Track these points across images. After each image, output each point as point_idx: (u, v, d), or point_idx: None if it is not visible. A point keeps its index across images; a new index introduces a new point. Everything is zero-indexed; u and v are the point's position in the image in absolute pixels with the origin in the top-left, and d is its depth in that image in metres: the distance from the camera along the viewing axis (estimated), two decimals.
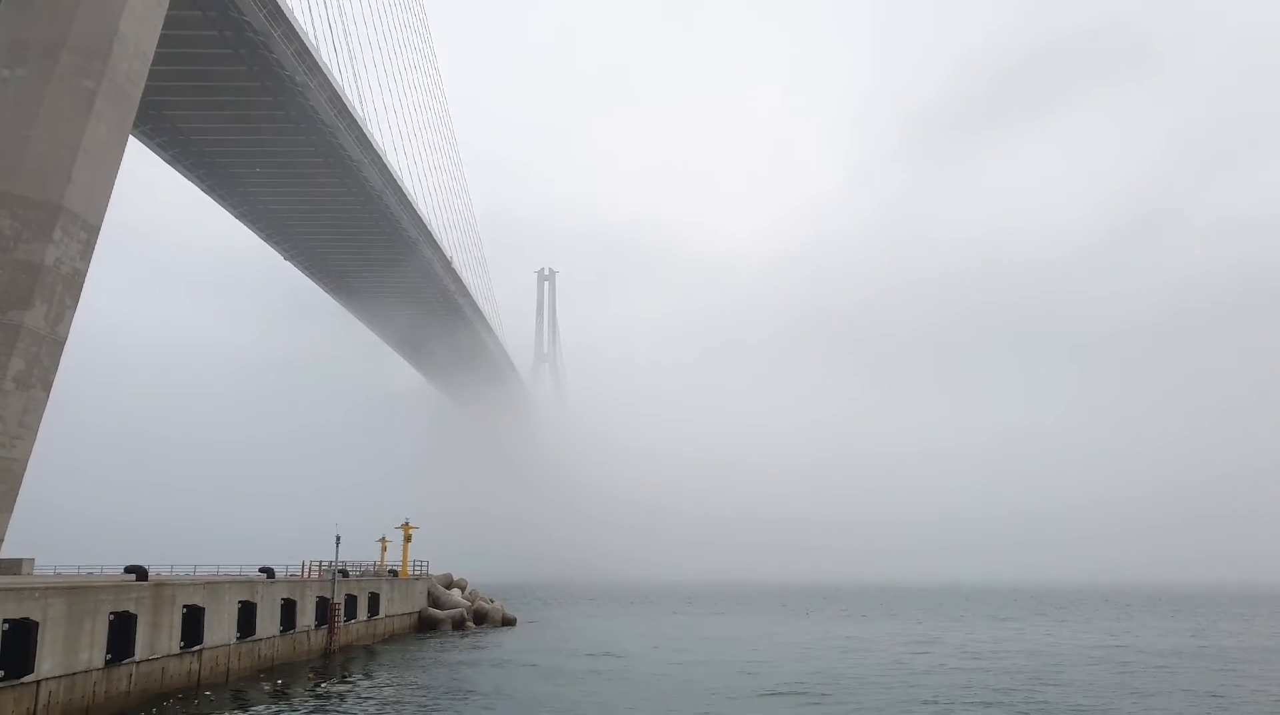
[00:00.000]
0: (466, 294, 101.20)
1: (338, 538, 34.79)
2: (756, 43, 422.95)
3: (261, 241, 75.08)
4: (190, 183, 61.34)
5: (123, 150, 29.60)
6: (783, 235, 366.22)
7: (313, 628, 32.26)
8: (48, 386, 26.91)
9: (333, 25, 57.11)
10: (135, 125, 36.27)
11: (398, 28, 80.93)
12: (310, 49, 49.44)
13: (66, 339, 27.85)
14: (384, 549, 50.17)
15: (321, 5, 55.68)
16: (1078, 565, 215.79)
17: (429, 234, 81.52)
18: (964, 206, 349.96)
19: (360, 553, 46.63)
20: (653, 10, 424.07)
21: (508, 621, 53.63)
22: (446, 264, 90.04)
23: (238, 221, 69.79)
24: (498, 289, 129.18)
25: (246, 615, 26.77)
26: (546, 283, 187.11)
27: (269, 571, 32.71)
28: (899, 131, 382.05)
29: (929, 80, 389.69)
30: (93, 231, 28.17)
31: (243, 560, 36.50)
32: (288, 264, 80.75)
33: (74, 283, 27.60)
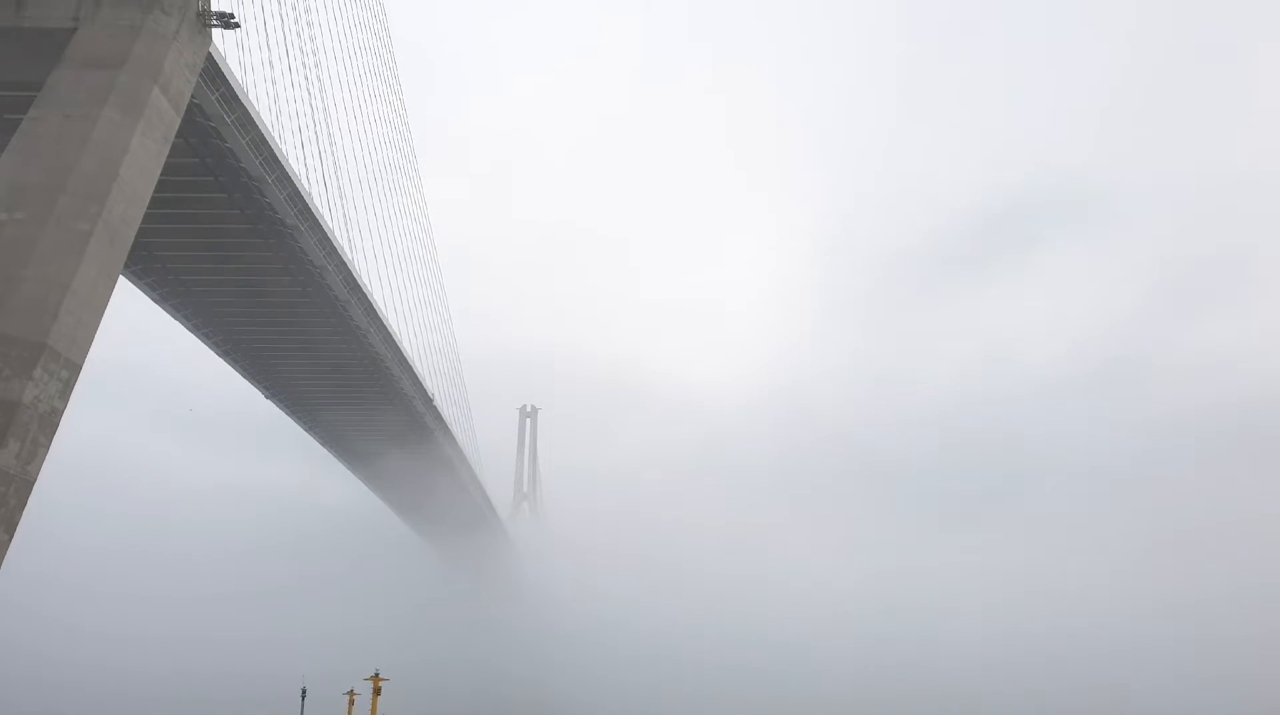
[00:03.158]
0: (446, 431, 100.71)
1: (303, 690, 33.22)
2: (737, 191, 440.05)
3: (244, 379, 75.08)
4: (176, 321, 61.81)
5: (111, 291, 29.92)
6: (767, 373, 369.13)
7: None
8: (12, 528, 26.18)
9: (326, 177, 59.07)
10: (126, 265, 36.75)
11: (389, 187, 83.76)
12: (303, 193, 50.82)
13: (37, 479, 27.29)
14: (351, 702, 47.81)
15: (315, 150, 57.74)
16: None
17: (412, 372, 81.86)
18: (941, 347, 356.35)
19: (328, 707, 44.47)
20: (634, 159, 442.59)
21: None
22: (428, 401, 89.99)
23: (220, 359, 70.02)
24: (478, 425, 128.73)
25: None
26: (529, 420, 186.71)
27: None
28: (875, 275, 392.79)
29: (902, 227, 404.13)
30: (74, 370, 28.09)
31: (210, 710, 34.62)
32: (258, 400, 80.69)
33: (50, 422, 27.30)
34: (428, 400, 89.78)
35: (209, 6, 35.20)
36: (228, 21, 36.64)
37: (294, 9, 56.07)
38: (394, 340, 74.58)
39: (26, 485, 26.56)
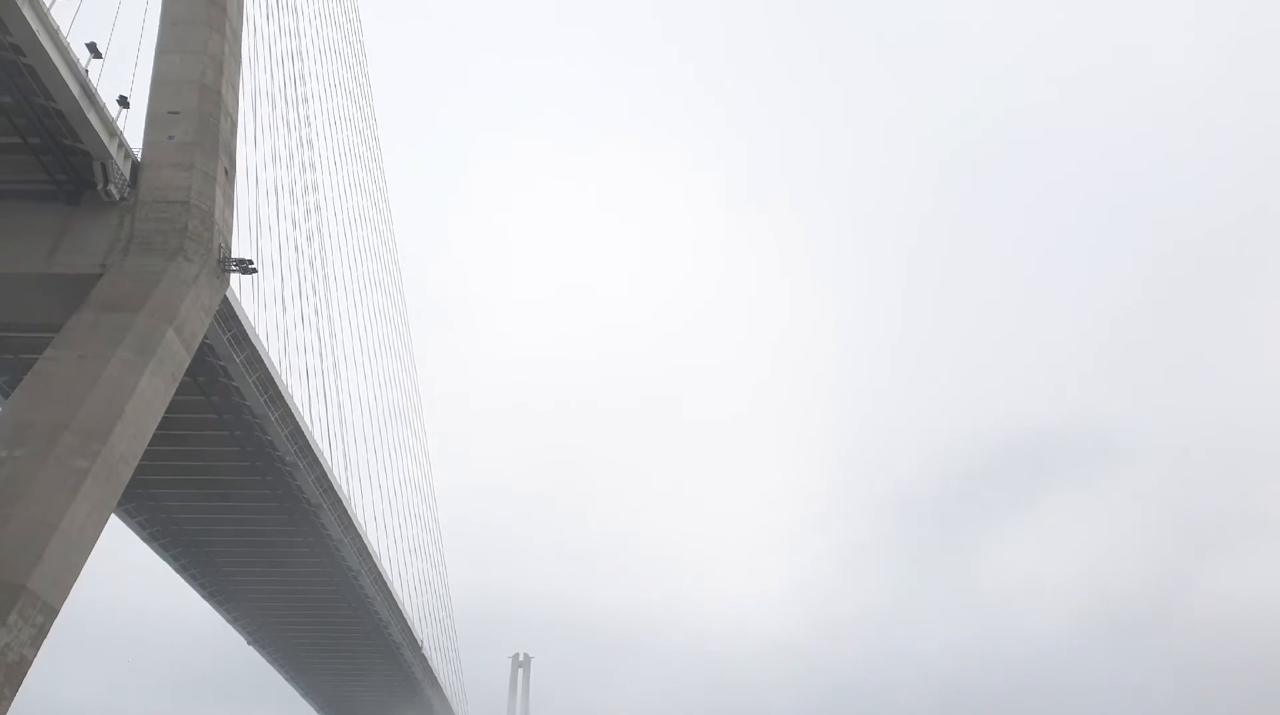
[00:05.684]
0: (435, 683, 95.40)
1: None
2: (748, 435, 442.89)
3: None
4: (164, 560, 60.08)
5: (100, 531, 29.05)
6: (770, 619, 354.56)
7: None
8: None
9: (328, 411, 59.54)
10: (119, 504, 36.02)
11: (388, 415, 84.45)
12: (304, 431, 50.91)
13: None
14: None
15: (319, 386, 58.50)
16: None
17: (402, 617, 78.68)
18: (951, 594, 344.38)
19: None
20: (637, 400, 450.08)
21: None
22: (416, 649, 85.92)
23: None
24: (468, 673, 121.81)
25: None
26: (521, 669, 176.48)
27: None
28: (884, 519, 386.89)
29: (910, 471, 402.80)
30: (50, 615, 26.65)
31: None
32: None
33: (18, 671, 25.54)
34: (416, 647, 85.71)
35: (230, 254, 36.87)
36: (246, 268, 38.19)
37: (308, 251, 58.89)
38: (386, 584, 72.15)
39: None
